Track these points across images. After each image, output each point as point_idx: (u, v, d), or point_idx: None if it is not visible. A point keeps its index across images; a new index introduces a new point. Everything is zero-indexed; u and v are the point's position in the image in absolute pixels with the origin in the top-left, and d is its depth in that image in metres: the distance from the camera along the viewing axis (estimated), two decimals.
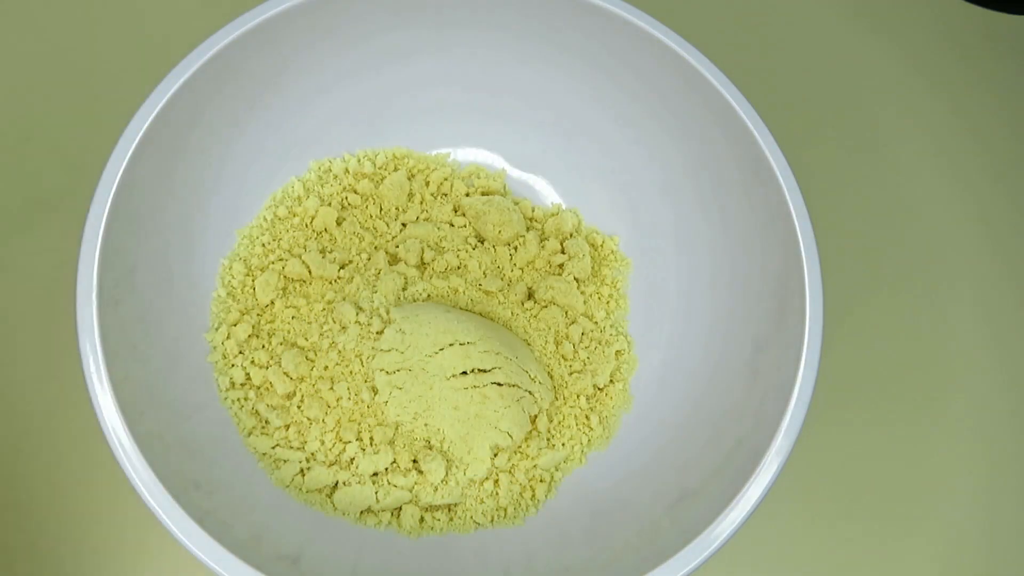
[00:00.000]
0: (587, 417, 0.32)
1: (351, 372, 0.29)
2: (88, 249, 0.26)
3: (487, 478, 0.29)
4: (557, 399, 0.31)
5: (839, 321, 0.37)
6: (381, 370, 0.29)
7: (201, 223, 0.31)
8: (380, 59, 0.33)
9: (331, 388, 0.29)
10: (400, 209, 0.33)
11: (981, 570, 0.34)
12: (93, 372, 0.25)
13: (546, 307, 0.32)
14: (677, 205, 0.34)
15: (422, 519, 0.29)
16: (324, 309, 0.30)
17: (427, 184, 0.34)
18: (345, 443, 0.29)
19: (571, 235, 0.34)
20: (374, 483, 0.29)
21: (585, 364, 0.32)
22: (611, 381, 0.32)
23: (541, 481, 0.30)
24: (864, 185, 0.40)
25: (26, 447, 0.32)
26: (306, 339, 0.30)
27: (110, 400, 0.24)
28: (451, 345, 0.28)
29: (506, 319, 0.32)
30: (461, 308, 0.31)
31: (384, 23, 0.32)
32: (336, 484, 0.29)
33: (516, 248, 0.33)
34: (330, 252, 0.32)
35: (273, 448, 0.29)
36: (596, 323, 0.33)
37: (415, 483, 0.29)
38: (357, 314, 0.30)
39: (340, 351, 0.29)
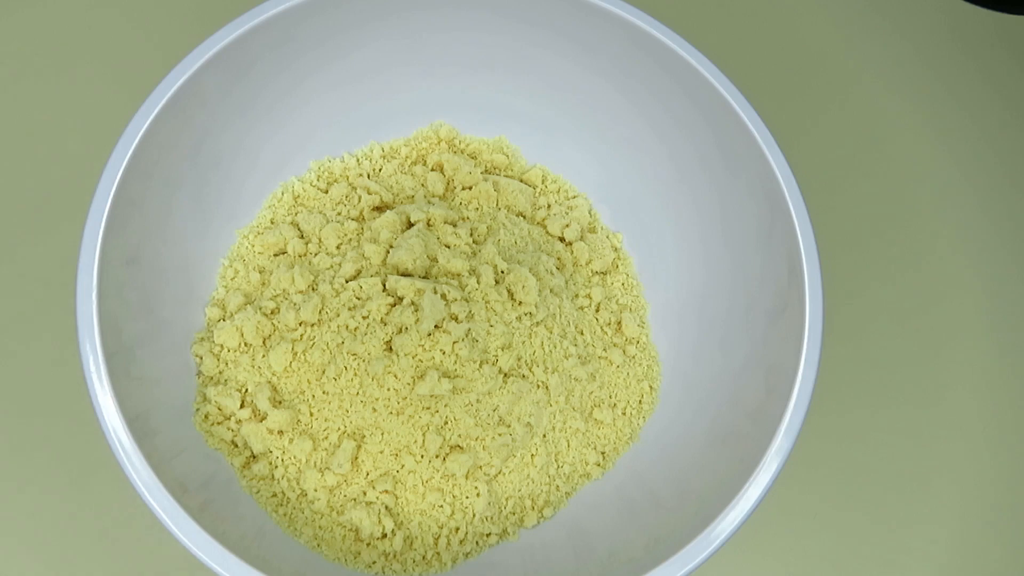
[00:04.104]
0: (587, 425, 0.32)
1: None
2: (88, 249, 0.26)
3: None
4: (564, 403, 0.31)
5: (839, 320, 0.37)
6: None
7: (201, 223, 0.31)
8: (382, 59, 0.33)
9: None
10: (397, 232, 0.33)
11: (982, 571, 0.34)
12: (93, 372, 0.25)
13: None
14: (675, 207, 0.34)
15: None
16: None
17: (431, 167, 0.35)
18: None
19: (582, 236, 0.35)
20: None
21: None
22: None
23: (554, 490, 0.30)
24: (864, 184, 0.40)
25: (26, 447, 0.32)
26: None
27: (110, 400, 0.24)
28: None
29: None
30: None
31: (383, 24, 0.32)
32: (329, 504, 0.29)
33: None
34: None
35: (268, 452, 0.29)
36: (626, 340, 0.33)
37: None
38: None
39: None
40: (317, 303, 0.29)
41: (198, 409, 0.29)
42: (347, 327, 0.29)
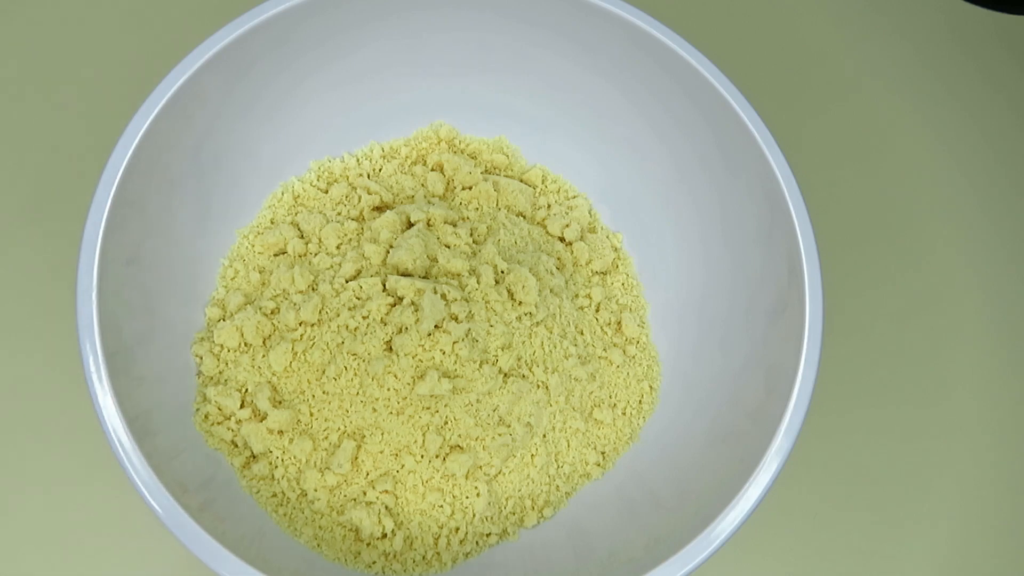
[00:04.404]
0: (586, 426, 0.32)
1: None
2: (88, 248, 0.26)
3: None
4: (564, 403, 0.31)
5: (839, 319, 0.37)
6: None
7: (201, 223, 0.31)
8: (382, 59, 0.33)
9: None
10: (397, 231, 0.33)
11: (982, 571, 0.34)
12: (93, 372, 0.25)
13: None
14: (675, 207, 0.34)
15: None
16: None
17: (430, 167, 0.35)
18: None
19: (582, 235, 0.35)
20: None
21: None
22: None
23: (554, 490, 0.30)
24: (864, 184, 0.40)
25: (26, 447, 0.32)
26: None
27: (110, 400, 0.24)
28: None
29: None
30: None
31: (383, 24, 0.32)
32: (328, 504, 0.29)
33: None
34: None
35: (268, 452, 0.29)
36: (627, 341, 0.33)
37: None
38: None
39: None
40: (317, 303, 0.29)
41: (198, 409, 0.29)
42: (347, 327, 0.29)
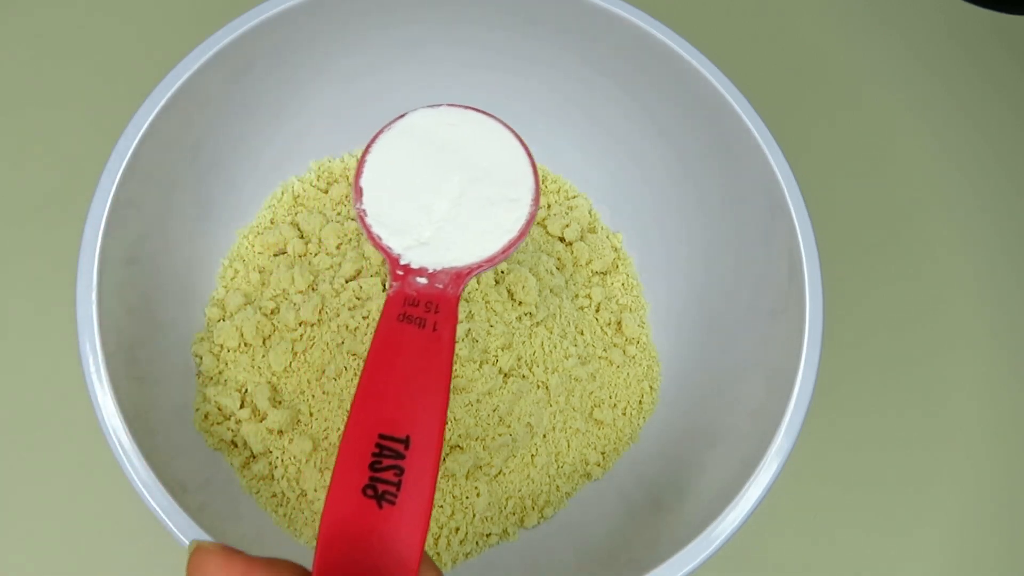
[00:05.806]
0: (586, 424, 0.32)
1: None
2: (88, 249, 0.26)
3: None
4: (562, 406, 0.31)
5: (839, 319, 0.37)
6: None
7: (201, 223, 0.31)
8: (382, 59, 0.33)
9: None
10: None
11: (981, 573, 0.34)
12: (93, 372, 0.24)
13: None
14: (675, 207, 0.34)
15: None
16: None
17: None
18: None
19: (581, 236, 0.35)
20: None
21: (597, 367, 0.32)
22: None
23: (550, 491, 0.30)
24: (864, 183, 0.40)
25: (26, 447, 0.32)
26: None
27: (110, 400, 0.24)
28: None
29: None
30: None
31: (383, 24, 0.32)
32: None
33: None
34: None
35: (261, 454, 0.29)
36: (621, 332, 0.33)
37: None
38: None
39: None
40: (317, 303, 0.29)
41: (198, 409, 0.29)
42: (347, 327, 0.29)
